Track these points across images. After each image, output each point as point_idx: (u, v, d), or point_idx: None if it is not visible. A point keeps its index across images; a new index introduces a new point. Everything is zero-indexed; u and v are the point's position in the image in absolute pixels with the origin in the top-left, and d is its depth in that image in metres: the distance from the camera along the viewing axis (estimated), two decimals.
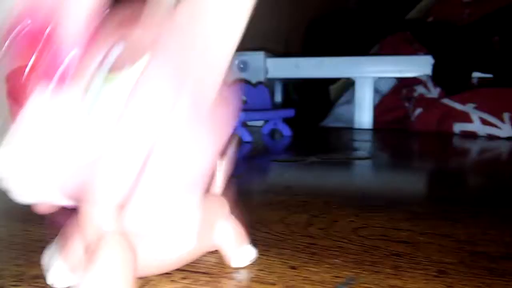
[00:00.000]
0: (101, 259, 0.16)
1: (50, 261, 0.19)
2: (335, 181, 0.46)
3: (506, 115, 0.77)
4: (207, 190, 0.22)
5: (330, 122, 1.06)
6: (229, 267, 0.21)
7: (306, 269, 0.21)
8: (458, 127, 0.81)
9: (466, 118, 0.80)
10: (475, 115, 0.79)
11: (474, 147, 0.71)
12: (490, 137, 0.77)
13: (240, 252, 0.22)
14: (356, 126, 0.95)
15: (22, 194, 0.15)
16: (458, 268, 0.21)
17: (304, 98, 1.19)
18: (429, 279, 0.20)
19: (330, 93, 1.17)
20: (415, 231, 0.27)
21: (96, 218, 0.16)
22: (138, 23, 0.15)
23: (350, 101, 1.01)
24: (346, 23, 1.21)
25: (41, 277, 0.20)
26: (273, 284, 0.20)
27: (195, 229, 0.20)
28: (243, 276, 0.20)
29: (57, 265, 0.18)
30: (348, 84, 1.07)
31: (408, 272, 0.21)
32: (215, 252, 0.22)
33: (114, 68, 0.15)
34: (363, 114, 0.95)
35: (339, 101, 1.09)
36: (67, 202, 0.16)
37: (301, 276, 0.20)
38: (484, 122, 0.78)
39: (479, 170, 0.51)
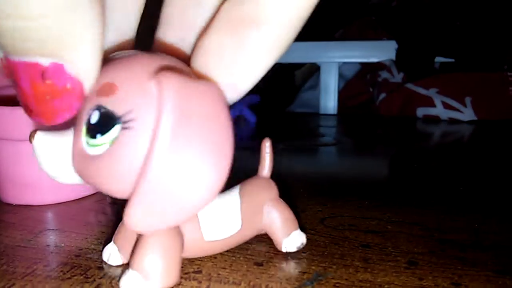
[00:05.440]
0: (149, 243, 0.17)
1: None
2: (302, 168, 0.45)
3: (467, 99, 0.78)
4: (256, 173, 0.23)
5: (295, 107, 1.05)
6: (191, 266, 0.20)
7: (272, 265, 0.20)
8: (421, 112, 0.81)
9: (429, 102, 0.80)
10: (438, 100, 0.80)
11: (437, 131, 0.72)
12: (452, 121, 0.78)
13: (288, 237, 0.21)
14: (322, 111, 0.95)
15: None
16: (428, 259, 0.21)
17: (269, 83, 1.17)
18: (399, 272, 0.19)
19: (295, 79, 1.16)
20: (383, 219, 0.26)
21: None
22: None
23: (315, 86, 1.00)
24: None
25: None
26: (237, 284, 0.18)
27: (237, 213, 0.20)
28: (203, 276, 0.19)
29: (110, 245, 0.20)
30: (314, 69, 1.07)
31: (378, 264, 0.20)
32: None
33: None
34: (328, 99, 0.95)
35: (304, 86, 1.08)
36: None
37: (267, 274, 0.19)
38: (447, 106, 0.79)
39: (443, 154, 0.51)
